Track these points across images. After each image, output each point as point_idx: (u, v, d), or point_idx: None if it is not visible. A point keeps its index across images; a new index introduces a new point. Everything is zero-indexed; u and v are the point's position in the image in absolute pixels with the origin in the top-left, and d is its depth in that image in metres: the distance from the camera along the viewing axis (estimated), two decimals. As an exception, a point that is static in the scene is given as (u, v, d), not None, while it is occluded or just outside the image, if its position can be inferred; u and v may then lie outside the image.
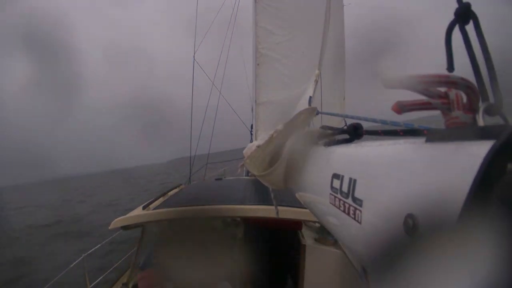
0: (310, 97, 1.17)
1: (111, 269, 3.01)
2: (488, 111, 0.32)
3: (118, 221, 2.28)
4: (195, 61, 5.44)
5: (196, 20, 5.71)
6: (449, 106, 0.35)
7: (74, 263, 2.49)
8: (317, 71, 1.20)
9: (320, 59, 1.27)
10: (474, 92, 0.34)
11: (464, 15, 0.37)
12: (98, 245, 2.77)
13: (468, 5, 0.38)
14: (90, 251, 2.57)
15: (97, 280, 2.65)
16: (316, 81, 1.18)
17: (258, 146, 0.88)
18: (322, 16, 1.56)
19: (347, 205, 0.45)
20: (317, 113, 0.98)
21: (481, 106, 0.32)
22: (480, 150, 0.23)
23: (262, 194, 2.54)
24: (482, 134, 0.27)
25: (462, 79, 0.34)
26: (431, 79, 0.34)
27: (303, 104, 1.24)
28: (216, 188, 3.49)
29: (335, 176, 0.51)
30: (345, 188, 0.46)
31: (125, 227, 2.33)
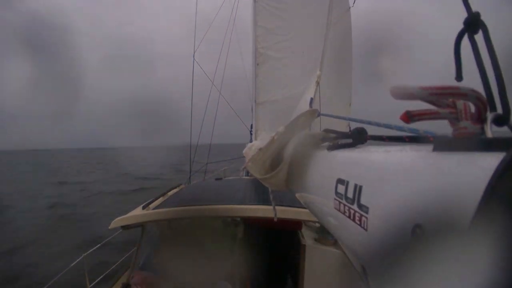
0: (311, 98, 1.16)
1: (111, 269, 3.01)
2: (496, 122, 0.32)
3: (117, 221, 2.28)
4: (195, 61, 5.44)
5: (195, 19, 5.70)
6: (457, 115, 0.35)
7: (74, 263, 2.49)
8: (318, 72, 1.19)
9: (322, 60, 1.26)
10: (483, 103, 0.34)
11: (473, 24, 0.37)
12: (98, 245, 2.76)
13: (477, 15, 0.37)
14: (90, 250, 2.57)
15: (97, 280, 2.65)
16: (318, 82, 1.17)
17: (260, 149, 0.88)
18: (322, 15, 1.55)
19: (352, 211, 0.44)
20: (318, 115, 0.97)
21: (489, 116, 0.32)
22: (490, 162, 0.23)
23: (262, 194, 2.54)
24: (491, 145, 0.27)
25: (473, 91, 0.33)
26: (441, 91, 0.34)
27: (303, 105, 1.24)
28: (216, 188, 3.48)
29: (340, 181, 0.50)
30: (350, 194, 0.46)
31: (125, 227, 2.33)
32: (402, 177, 0.35)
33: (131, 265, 2.69)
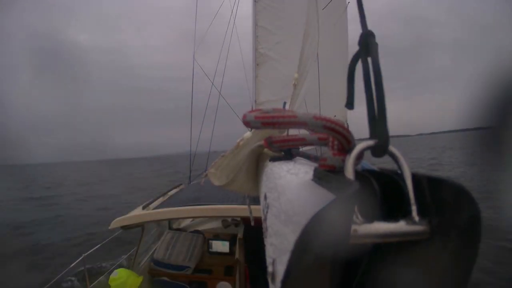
0: (285, 102, 1.14)
1: (111, 269, 3.01)
2: (373, 151, 0.27)
3: (118, 221, 2.28)
4: (195, 61, 5.45)
5: (195, 19, 5.71)
6: (327, 142, 0.32)
7: (74, 263, 2.49)
8: (295, 75, 1.16)
9: (300, 63, 1.23)
10: (343, 136, 0.29)
11: (367, 45, 0.31)
12: (98, 245, 2.76)
13: (371, 34, 0.31)
14: (90, 251, 2.57)
15: (97, 280, 2.65)
16: (294, 85, 1.14)
17: (223, 155, 0.85)
18: (322, 15, 1.55)
19: (265, 226, 0.42)
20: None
21: (356, 147, 0.28)
22: (315, 207, 0.21)
23: None
24: (331, 186, 0.25)
25: (321, 119, 0.29)
26: (271, 120, 0.30)
27: (298, 105, 1.23)
28: (216, 188, 3.48)
29: (264, 193, 0.49)
30: (265, 207, 0.43)
31: (125, 227, 2.33)
32: (282, 201, 0.33)
33: (131, 265, 2.69)
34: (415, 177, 0.26)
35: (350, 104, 0.36)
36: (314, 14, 1.32)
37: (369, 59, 0.30)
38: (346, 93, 0.36)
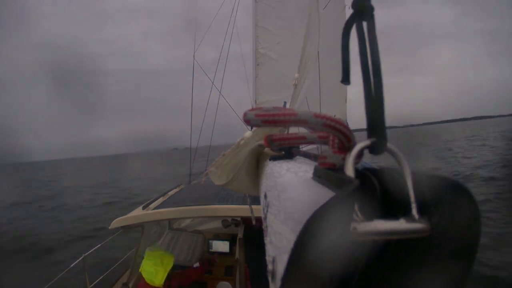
0: (285, 102, 1.14)
1: (111, 269, 3.01)
2: (372, 149, 0.27)
3: (118, 221, 2.28)
4: (195, 61, 5.45)
5: (196, 19, 5.73)
6: (328, 141, 0.31)
7: (74, 263, 2.49)
8: (296, 75, 1.16)
9: (301, 63, 1.22)
10: (343, 134, 0.29)
11: (361, 8, 0.27)
12: (98, 245, 2.76)
13: None
14: (90, 251, 2.57)
15: (97, 280, 2.65)
16: (295, 85, 1.13)
17: (223, 154, 0.84)
18: (321, 15, 1.55)
19: (265, 225, 0.42)
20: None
21: (356, 146, 0.27)
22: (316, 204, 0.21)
23: None
24: (331, 183, 0.26)
25: (321, 117, 0.28)
26: (272, 118, 0.30)
27: (299, 105, 1.23)
28: (216, 188, 3.48)
29: (264, 192, 0.49)
30: (265, 205, 0.43)
31: (125, 227, 2.33)
32: (282, 199, 0.33)
33: (131, 265, 2.69)
34: (415, 175, 0.26)
35: (346, 79, 0.33)
36: (315, 14, 1.33)
37: (364, 24, 0.27)
38: (341, 66, 0.32)
